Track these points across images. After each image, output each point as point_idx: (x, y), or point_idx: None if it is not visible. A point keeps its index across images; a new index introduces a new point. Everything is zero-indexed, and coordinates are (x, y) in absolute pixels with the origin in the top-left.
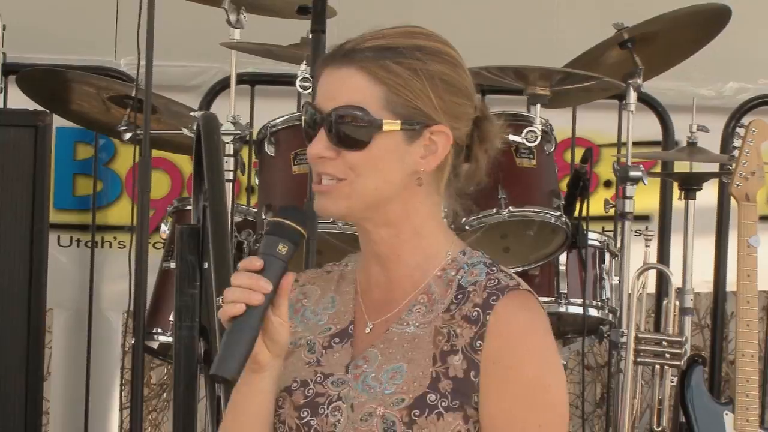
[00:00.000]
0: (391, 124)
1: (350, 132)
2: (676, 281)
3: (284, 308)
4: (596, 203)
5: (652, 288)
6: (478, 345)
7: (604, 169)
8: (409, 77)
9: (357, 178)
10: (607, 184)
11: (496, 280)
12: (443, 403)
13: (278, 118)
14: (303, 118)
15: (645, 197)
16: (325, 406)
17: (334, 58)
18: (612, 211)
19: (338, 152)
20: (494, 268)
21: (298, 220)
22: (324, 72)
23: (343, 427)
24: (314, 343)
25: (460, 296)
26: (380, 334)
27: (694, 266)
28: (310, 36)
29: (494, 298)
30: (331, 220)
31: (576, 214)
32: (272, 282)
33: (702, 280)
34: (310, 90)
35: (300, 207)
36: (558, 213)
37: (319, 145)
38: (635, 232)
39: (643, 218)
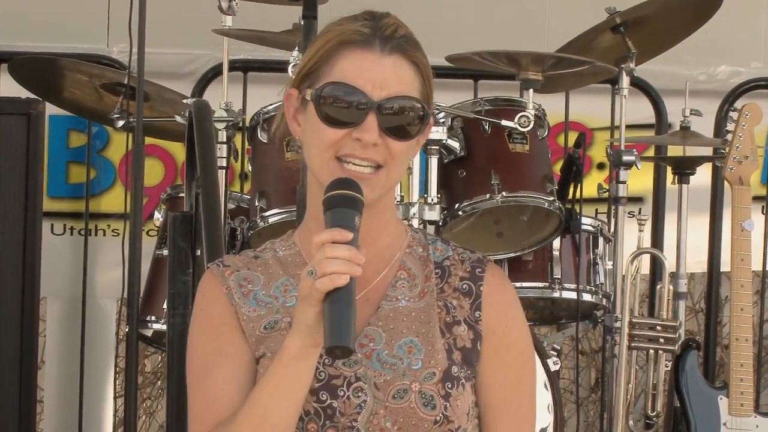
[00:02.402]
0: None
1: (408, 123)
2: (669, 265)
3: None
4: (590, 185)
5: (646, 271)
6: (477, 316)
7: (598, 152)
8: (429, 70)
9: (395, 166)
10: (601, 166)
11: (466, 253)
12: (462, 374)
13: (271, 104)
14: (334, 97)
15: (638, 179)
16: (345, 388)
17: (371, 42)
18: (605, 195)
19: (383, 139)
20: (450, 243)
21: (359, 191)
22: (355, 54)
23: (371, 407)
24: None
25: (438, 271)
26: (370, 311)
27: (688, 247)
28: (302, 22)
29: (479, 270)
30: None
31: (569, 198)
32: None
33: (695, 260)
34: None
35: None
36: (551, 198)
37: (373, 131)
38: (628, 213)
39: (637, 200)
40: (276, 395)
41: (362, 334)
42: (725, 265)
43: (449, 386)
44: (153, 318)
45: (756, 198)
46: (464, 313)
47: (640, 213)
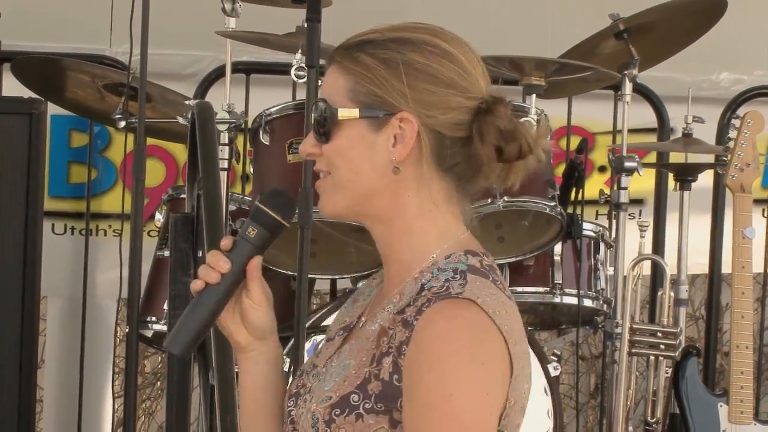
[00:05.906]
0: (347, 112)
1: (318, 125)
2: (671, 271)
3: (255, 291)
4: (591, 188)
5: (647, 274)
6: (404, 349)
7: (599, 156)
8: (375, 66)
9: (334, 170)
10: (602, 169)
11: (446, 287)
12: (366, 405)
13: (273, 106)
14: None
15: (639, 181)
16: (303, 398)
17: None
18: (607, 200)
19: (320, 147)
20: (459, 276)
21: (279, 206)
22: None
23: (303, 419)
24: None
25: (415, 297)
26: (359, 329)
27: (689, 248)
28: (305, 25)
29: (428, 304)
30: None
31: (571, 203)
32: (235, 263)
33: (696, 262)
34: (305, 79)
35: (288, 193)
36: (553, 203)
37: (306, 143)
38: (629, 215)
39: (638, 202)
40: (240, 395)
41: (339, 350)
42: (726, 266)
43: (336, 413)
44: (153, 319)
45: (757, 201)
46: (395, 344)
47: (640, 215)
